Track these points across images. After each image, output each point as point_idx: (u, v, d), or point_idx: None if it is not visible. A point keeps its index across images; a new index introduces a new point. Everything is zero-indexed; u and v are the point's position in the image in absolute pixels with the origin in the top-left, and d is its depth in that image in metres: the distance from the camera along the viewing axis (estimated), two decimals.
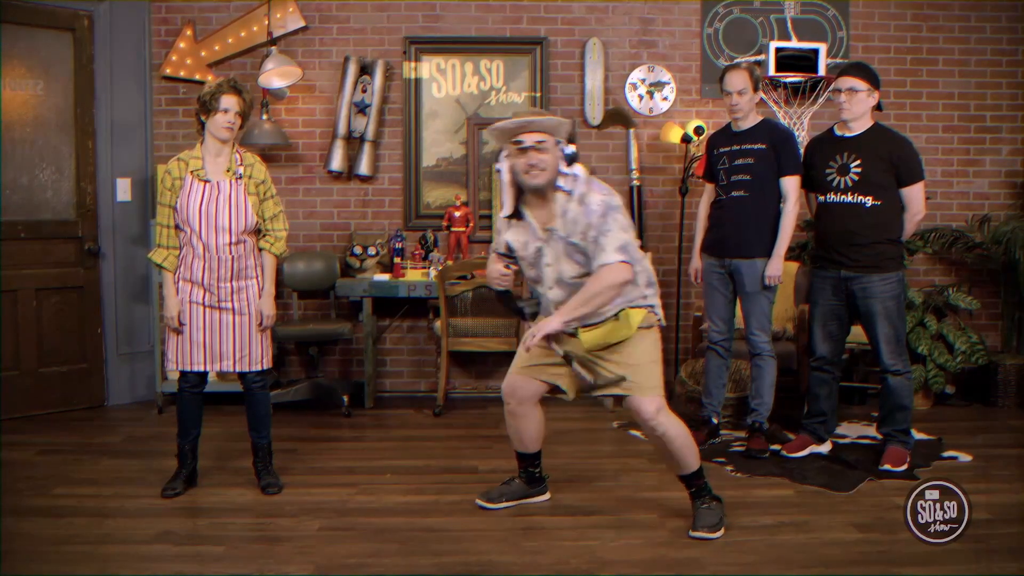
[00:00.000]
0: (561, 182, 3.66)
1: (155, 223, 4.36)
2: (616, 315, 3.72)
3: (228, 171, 4.25)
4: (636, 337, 3.75)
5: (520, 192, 3.75)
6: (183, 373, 4.33)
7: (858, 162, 4.62)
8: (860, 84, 4.60)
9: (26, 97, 5.75)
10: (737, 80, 4.85)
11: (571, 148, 3.71)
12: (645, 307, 3.77)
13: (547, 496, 4.29)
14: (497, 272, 3.82)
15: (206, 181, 4.21)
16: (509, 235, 3.82)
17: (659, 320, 3.86)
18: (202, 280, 4.22)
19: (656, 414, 3.72)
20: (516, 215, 3.78)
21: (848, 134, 4.68)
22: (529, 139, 3.61)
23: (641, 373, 3.74)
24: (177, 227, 4.25)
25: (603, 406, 6.10)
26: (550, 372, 3.94)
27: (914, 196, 4.65)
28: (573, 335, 3.75)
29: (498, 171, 3.90)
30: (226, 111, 4.17)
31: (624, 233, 3.61)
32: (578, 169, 3.71)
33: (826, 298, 4.80)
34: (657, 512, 4.13)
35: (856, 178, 4.62)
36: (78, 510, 4.15)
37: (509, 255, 3.88)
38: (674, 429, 3.76)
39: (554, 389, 4.01)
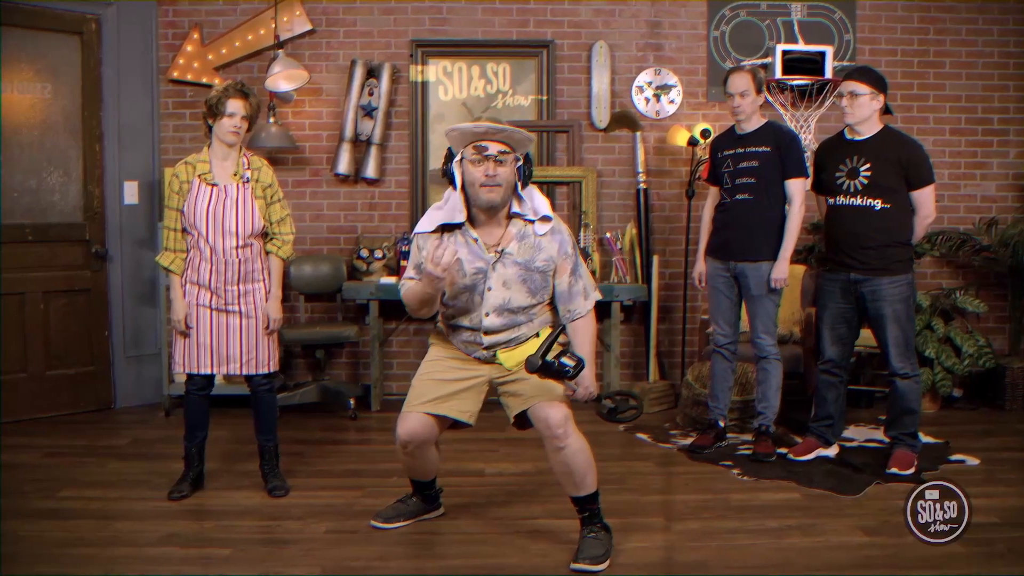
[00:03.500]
0: (517, 207, 3.48)
1: (162, 226, 4.37)
2: (537, 334, 3.59)
3: (235, 175, 4.26)
4: None
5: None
6: (190, 376, 4.34)
7: (867, 165, 4.61)
8: (862, 88, 4.59)
9: (34, 100, 5.76)
10: (739, 82, 4.85)
11: (528, 168, 3.50)
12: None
13: (441, 511, 4.12)
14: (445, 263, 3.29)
15: (213, 184, 4.22)
16: (438, 252, 3.30)
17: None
18: (209, 283, 4.23)
19: (564, 423, 3.45)
20: (451, 227, 3.50)
21: (857, 137, 4.68)
22: (493, 148, 3.37)
23: (544, 381, 3.43)
24: (184, 230, 4.26)
25: None
26: (449, 403, 3.63)
27: (924, 199, 4.64)
28: (491, 361, 3.60)
29: (449, 174, 3.50)
30: (232, 115, 4.18)
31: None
32: (534, 192, 3.55)
33: (835, 301, 4.79)
34: (663, 515, 4.12)
35: (866, 181, 4.61)
36: (85, 512, 4.16)
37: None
38: (579, 443, 3.51)
39: (454, 424, 3.70)
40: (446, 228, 3.52)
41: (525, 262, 3.47)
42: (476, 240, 3.48)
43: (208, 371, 4.30)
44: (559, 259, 3.53)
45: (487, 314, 3.52)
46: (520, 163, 3.46)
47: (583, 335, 3.57)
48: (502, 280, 3.48)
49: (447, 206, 3.51)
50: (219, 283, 4.23)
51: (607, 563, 3.54)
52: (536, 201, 3.53)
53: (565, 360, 3.30)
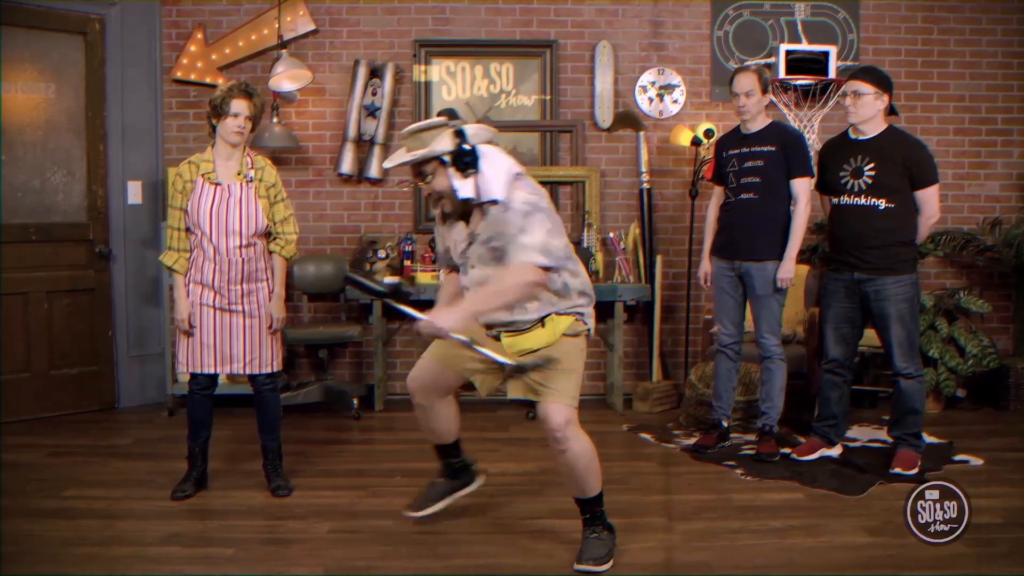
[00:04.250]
0: (472, 194, 3.30)
1: (166, 226, 4.37)
2: (542, 321, 3.43)
3: (239, 174, 4.26)
4: (559, 343, 3.43)
5: None
6: (193, 375, 4.34)
7: (871, 165, 4.61)
8: (865, 88, 4.59)
9: (38, 100, 5.77)
10: (744, 82, 4.85)
11: (466, 147, 3.24)
12: (573, 314, 3.47)
13: (480, 481, 3.97)
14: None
15: (217, 184, 4.22)
16: (446, 236, 3.52)
17: (588, 329, 3.56)
18: (213, 283, 4.23)
19: (564, 426, 3.38)
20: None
21: (862, 137, 4.67)
22: (412, 173, 3.36)
23: (556, 379, 3.40)
24: (188, 230, 4.26)
25: (613, 409, 6.10)
26: (463, 366, 3.58)
27: (928, 199, 4.64)
28: (496, 339, 3.49)
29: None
30: (236, 115, 4.18)
31: (548, 236, 3.25)
32: (490, 165, 3.29)
33: (839, 301, 4.79)
34: (666, 515, 4.12)
35: (870, 181, 4.61)
36: (88, 512, 4.16)
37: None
38: (581, 447, 3.44)
39: (467, 385, 3.65)
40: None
41: (487, 239, 3.35)
42: (455, 224, 3.48)
43: (212, 371, 4.30)
44: (509, 223, 3.27)
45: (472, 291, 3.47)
46: (448, 157, 3.26)
47: (491, 282, 3.31)
48: (478, 257, 3.41)
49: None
50: (223, 282, 4.23)
51: (610, 563, 3.53)
52: (490, 183, 3.29)
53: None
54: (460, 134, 3.26)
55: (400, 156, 3.33)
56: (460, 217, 3.44)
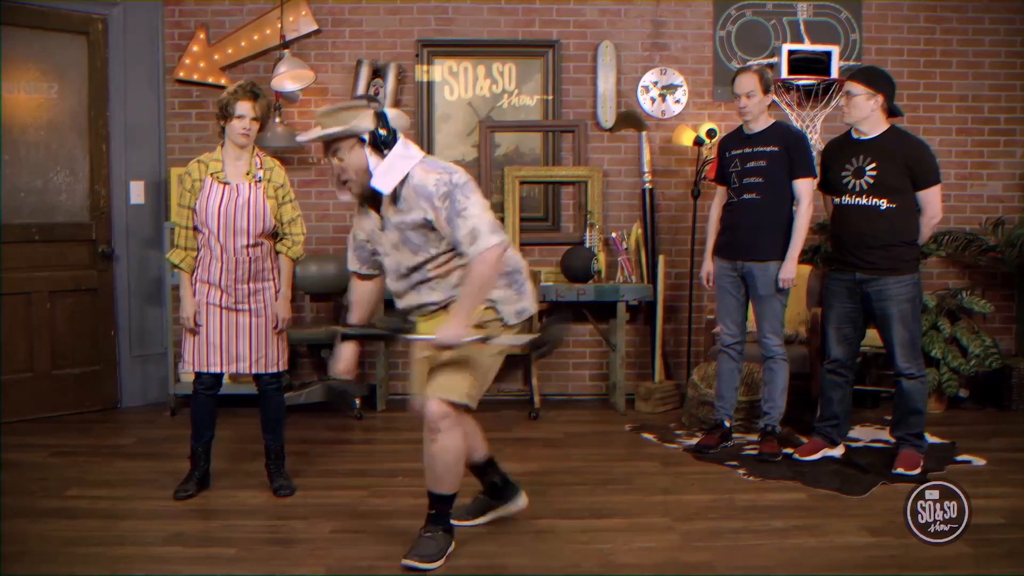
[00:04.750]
0: (377, 182, 3.34)
1: (173, 224, 4.38)
2: (446, 307, 3.44)
3: (248, 174, 4.28)
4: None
5: None
6: (198, 375, 4.34)
7: (873, 165, 4.60)
8: (857, 88, 4.60)
9: (40, 100, 5.78)
10: (745, 83, 4.85)
11: (382, 132, 3.32)
12: (488, 305, 3.45)
13: (521, 502, 4.01)
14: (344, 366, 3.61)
15: (226, 183, 4.24)
16: (362, 223, 3.59)
17: (501, 320, 3.50)
18: (219, 282, 4.24)
19: (440, 419, 3.38)
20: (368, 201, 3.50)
21: (864, 137, 4.67)
22: (325, 151, 3.38)
23: (446, 373, 3.41)
24: (195, 228, 4.26)
25: (615, 409, 6.10)
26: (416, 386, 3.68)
27: (930, 199, 4.64)
28: (410, 325, 3.55)
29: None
30: (242, 117, 4.20)
31: (487, 212, 3.32)
32: (402, 152, 3.36)
33: (841, 301, 4.79)
34: (669, 515, 4.12)
35: (871, 181, 4.61)
36: (91, 512, 4.17)
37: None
38: (451, 443, 3.44)
39: None
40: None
41: (398, 223, 3.39)
42: (368, 211, 3.52)
43: (217, 370, 4.31)
44: (431, 210, 3.32)
45: (393, 280, 3.56)
46: (366, 135, 3.33)
47: (467, 279, 3.31)
48: (391, 244, 3.46)
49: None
50: (229, 282, 4.24)
51: (439, 563, 3.52)
52: (397, 166, 3.35)
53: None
54: (381, 116, 3.35)
55: (317, 131, 3.36)
56: (367, 200, 3.47)
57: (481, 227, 3.27)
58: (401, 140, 3.41)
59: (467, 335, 3.27)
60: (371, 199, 3.46)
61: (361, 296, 3.80)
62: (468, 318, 3.29)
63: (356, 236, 3.68)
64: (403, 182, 3.35)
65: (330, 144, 3.36)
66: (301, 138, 3.50)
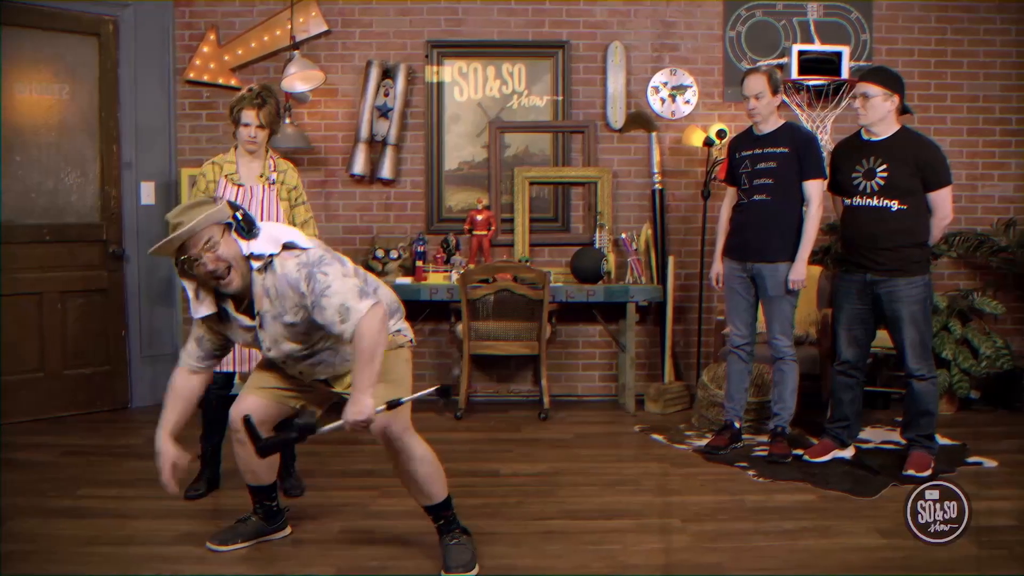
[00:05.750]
0: (256, 265, 3.24)
1: None
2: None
3: (261, 176, 4.30)
4: (385, 359, 3.21)
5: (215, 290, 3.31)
6: None
7: (884, 166, 4.59)
8: (874, 89, 4.58)
9: (51, 101, 5.79)
10: (754, 84, 4.84)
11: (239, 217, 3.25)
12: (391, 334, 3.42)
13: (287, 531, 3.90)
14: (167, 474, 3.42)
15: (240, 185, 4.26)
16: (208, 334, 3.45)
17: (409, 340, 3.55)
18: None
19: (402, 433, 3.35)
20: (217, 314, 3.37)
21: (874, 138, 4.66)
22: (196, 248, 3.15)
23: (387, 393, 3.26)
24: None
25: (625, 410, 6.10)
26: (286, 398, 3.59)
27: (941, 200, 4.62)
28: (328, 385, 3.56)
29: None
30: (247, 125, 4.23)
31: (348, 278, 3.21)
32: (264, 234, 3.28)
33: (851, 302, 4.77)
34: (678, 516, 4.11)
35: (882, 182, 4.59)
36: (101, 511, 4.18)
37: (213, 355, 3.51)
38: (416, 452, 3.40)
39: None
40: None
41: (278, 315, 3.28)
42: (234, 318, 3.37)
43: (230, 369, 4.32)
44: (300, 299, 3.22)
45: (283, 363, 3.46)
46: (231, 220, 3.25)
47: (355, 354, 3.16)
48: (273, 339, 3.34)
49: (196, 301, 3.36)
50: None
51: (476, 568, 3.51)
52: (274, 236, 3.29)
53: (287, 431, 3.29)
54: (233, 205, 3.28)
55: (186, 227, 3.13)
56: (233, 299, 3.33)
57: (348, 300, 3.14)
58: (262, 224, 3.33)
59: (375, 406, 3.14)
60: (237, 298, 3.32)
61: (188, 391, 3.54)
62: (370, 388, 3.12)
63: (201, 338, 3.48)
64: (272, 272, 3.24)
65: (202, 240, 3.17)
66: (156, 249, 3.24)
